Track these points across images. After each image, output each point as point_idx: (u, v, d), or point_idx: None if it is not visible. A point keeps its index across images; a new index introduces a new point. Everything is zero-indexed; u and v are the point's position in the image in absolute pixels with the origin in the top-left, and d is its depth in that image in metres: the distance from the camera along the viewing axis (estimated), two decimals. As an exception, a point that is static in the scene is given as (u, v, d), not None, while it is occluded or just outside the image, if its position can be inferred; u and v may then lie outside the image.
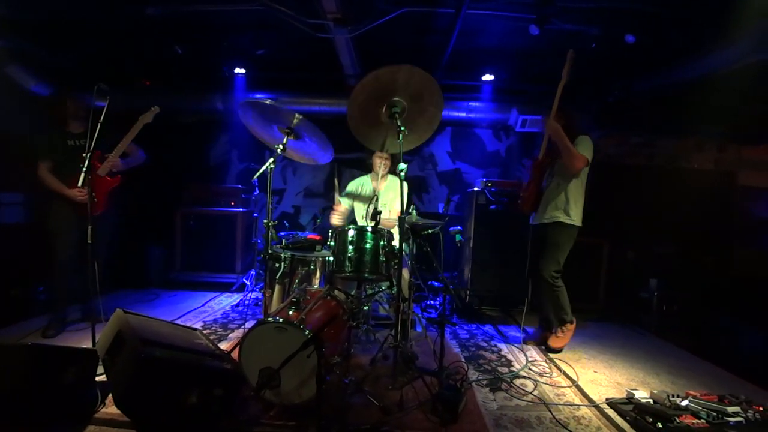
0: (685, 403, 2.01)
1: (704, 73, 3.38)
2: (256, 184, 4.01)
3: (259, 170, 2.46)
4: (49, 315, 2.86)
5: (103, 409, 1.87)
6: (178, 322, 2.99)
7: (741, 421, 1.90)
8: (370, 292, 2.77)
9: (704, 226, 4.40)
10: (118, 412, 1.71)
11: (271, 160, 2.36)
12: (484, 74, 4.22)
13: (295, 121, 2.29)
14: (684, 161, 4.77)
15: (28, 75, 3.83)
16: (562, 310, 2.83)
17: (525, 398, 2.21)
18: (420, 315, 3.40)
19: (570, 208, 2.76)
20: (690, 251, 4.17)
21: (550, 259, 2.79)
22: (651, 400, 2.06)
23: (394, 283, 2.37)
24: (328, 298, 2.32)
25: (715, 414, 1.91)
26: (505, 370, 2.57)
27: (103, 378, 1.89)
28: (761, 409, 2.00)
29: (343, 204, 3.36)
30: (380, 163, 3.27)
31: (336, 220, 3.30)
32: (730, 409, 1.94)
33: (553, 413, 2.05)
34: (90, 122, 2.30)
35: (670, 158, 4.78)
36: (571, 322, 2.87)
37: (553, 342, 2.85)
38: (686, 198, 4.33)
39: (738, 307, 3.63)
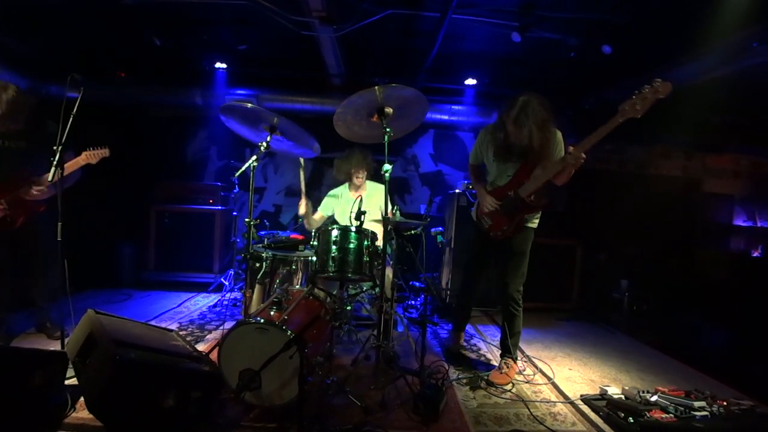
0: (654, 398, 2.10)
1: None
2: (236, 182, 3.95)
3: (240, 168, 2.43)
4: None
5: (74, 414, 1.79)
6: (153, 323, 2.89)
7: (706, 416, 2.00)
8: (352, 292, 2.76)
9: (671, 229, 4.62)
10: (90, 416, 1.64)
11: (254, 158, 2.33)
12: (467, 78, 4.30)
13: (275, 121, 2.28)
14: (653, 168, 5.00)
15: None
16: (514, 337, 2.48)
17: (503, 396, 2.25)
18: (402, 315, 3.41)
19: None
20: (656, 253, 4.37)
21: (518, 272, 2.45)
22: (623, 396, 2.14)
23: (377, 283, 2.38)
24: (311, 298, 2.31)
25: (682, 409, 2.00)
26: (485, 368, 2.61)
27: (73, 381, 1.81)
28: (725, 403, 2.12)
29: (320, 212, 3.24)
30: (356, 175, 3.14)
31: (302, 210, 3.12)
32: (697, 404, 2.03)
33: (531, 410, 2.10)
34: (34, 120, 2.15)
35: (640, 165, 5.00)
36: (515, 362, 2.50)
37: (497, 378, 2.38)
38: (655, 203, 4.54)
39: (698, 305, 3.83)
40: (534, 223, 2.49)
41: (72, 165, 2.49)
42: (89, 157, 2.52)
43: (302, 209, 3.04)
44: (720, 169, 5.09)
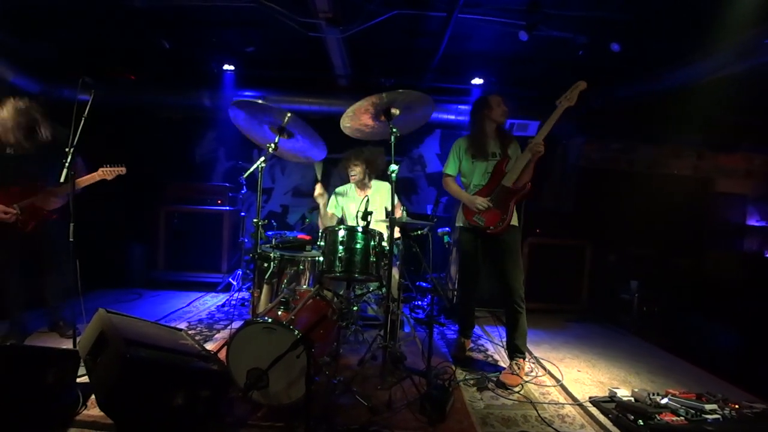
0: (664, 401, 2.07)
1: (683, 83, 3.50)
2: (244, 182, 3.97)
3: (248, 169, 2.45)
4: (8, 322, 2.62)
5: (85, 411, 1.82)
6: (162, 322, 2.93)
7: (718, 419, 1.97)
8: (359, 292, 2.77)
9: (682, 229, 4.55)
10: (101, 414, 1.66)
11: (262, 159, 2.34)
12: (473, 78, 4.27)
13: (286, 119, 2.29)
14: (663, 167, 4.92)
15: (8, 67, 3.69)
16: (522, 337, 2.50)
17: (511, 397, 2.24)
18: (408, 315, 3.41)
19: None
20: (667, 254, 4.30)
21: (519, 269, 2.52)
22: (632, 399, 2.11)
23: (384, 283, 2.38)
24: (318, 298, 2.32)
25: (693, 411, 1.98)
26: (492, 369, 2.60)
27: (85, 379, 1.84)
28: (737, 406, 2.08)
29: (331, 211, 3.21)
30: (351, 170, 3.12)
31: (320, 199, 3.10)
32: (708, 407, 2.00)
33: (539, 412, 2.08)
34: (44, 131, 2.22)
35: (649, 164, 4.93)
36: (524, 359, 2.54)
37: (508, 378, 2.38)
38: (666, 203, 4.47)
39: (710, 307, 3.77)
40: (516, 221, 2.57)
41: (88, 179, 2.55)
42: (105, 173, 2.58)
43: (318, 190, 3.06)
44: (732, 168, 4.99)
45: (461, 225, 2.69)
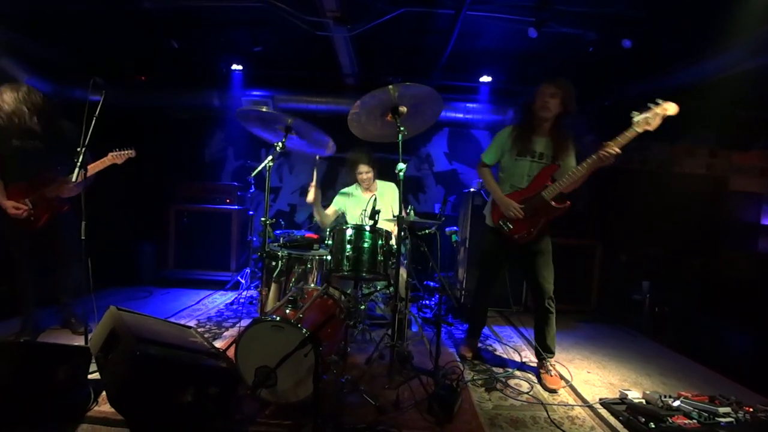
0: (676, 403, 2.04)
1: (696, 80, 3.43)
2: (252, 181, 4.00)
3: (256, 168, 2.46)
4: (21, 319, 2.67)
5: (96, 408, 1.85)
6: (172, 320, 2.95)
7: (732, 422, 1.93)
8: (366, 291, 2.77)
9: (694, 229, 4.47)
10: (112, 410, 1.69)
11: (270, 158, 2.35)
12: (481, 76, 4.24)
13: (290, 121, 2.31)
14: (676, 166, 4.84)
15: (21, 68, 3.76)
16: (554, 337, 2.47)
17: (520, 398, 2.22)
18: (416, 315, 3.40)
19: None
20: (680, 254, 4.23)
21: (551, 269, 2.44)
22: (643, 401, 2.09)
23: (392, 282, 2.38)
24: (325, 296, 2.32)
25: (706, 414, 1.94)
26: (500, 370, 2.58)
27: (96, 376, 1.87)
28: (751, 409, 2.04)
29: (333, 208, 3.21)
30: (364, 177, 3.10)
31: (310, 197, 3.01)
32: (721, 410, 1.96)
33: (548, 413, 2.06)
34: (47, 120, 2.26)
35: (662, 163, 4.85)
36: (552, 358, 2.50)
37: (551, 381, 2.36)
38: (678, 202, 4.40)
39: (723, 308, 3.69)
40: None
41: (98, 165, 2.56)
42: (115, 157, 2.60)
43: (311, 195, 2.96)
44: (747, 166, 4.88)
45: (488, 224, 2.55)
